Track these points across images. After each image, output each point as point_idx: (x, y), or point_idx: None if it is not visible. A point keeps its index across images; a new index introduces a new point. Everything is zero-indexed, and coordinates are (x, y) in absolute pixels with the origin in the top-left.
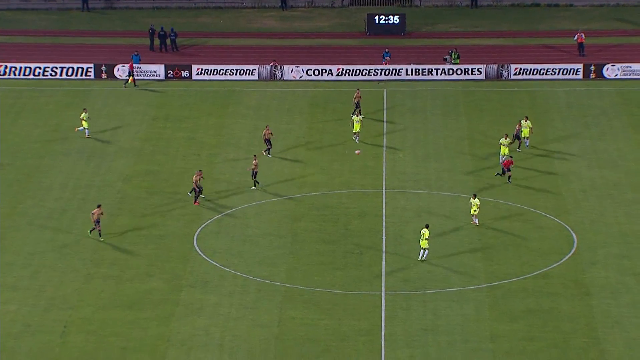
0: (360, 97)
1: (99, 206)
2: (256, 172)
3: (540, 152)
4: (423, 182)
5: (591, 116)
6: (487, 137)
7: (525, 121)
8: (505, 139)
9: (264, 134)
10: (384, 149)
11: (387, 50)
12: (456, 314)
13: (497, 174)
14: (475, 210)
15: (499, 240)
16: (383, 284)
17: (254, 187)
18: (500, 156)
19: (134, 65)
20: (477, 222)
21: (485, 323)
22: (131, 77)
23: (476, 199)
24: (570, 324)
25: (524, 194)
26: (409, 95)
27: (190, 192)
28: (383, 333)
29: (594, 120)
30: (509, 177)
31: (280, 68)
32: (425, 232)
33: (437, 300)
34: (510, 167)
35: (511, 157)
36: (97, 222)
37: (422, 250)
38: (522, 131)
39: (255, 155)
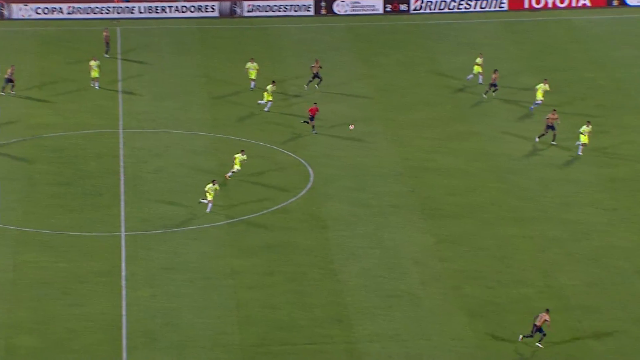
0: (108, 35)
1: None
2: None
3: (277, 89)
4: (160, 121)
5: (322, 52)
6: (223, 74)
7: None
8: None
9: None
10: (120, 88)
11: None
12: (196, 251)
13: (304, 121)
14: (238, 168)
15: (238, 177)
16: (122, 225)
17: None
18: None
19: None
20: (229, 175)
21: (225, 259)
22: None
23: (244, 155)
24: (307, 257)
25: (260, 131)
26: (143, 34)
27: None
28: (124, 274)
29: (325, 55)
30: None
31: (7, 7)
32: (212, 187)
33: (178, 239)
34: (316, 116)
35: (315, 103)
36: None
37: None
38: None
39: None
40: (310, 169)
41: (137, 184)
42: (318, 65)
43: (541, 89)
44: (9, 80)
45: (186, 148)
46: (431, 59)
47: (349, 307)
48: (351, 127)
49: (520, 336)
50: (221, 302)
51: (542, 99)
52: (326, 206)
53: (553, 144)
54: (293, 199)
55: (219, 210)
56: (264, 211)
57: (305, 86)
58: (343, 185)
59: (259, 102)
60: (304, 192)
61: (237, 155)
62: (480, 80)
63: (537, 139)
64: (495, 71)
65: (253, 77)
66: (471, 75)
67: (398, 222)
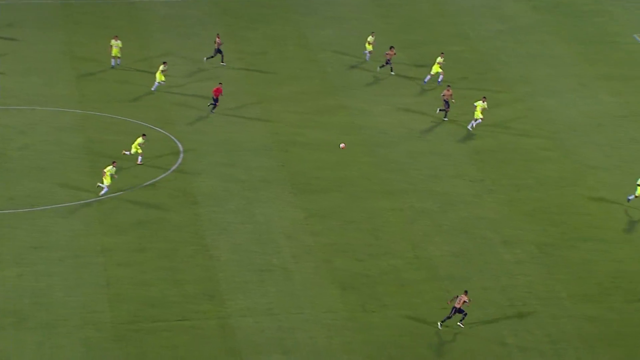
0: None
1: None
2: None
3: (144, 68)
4: (25, 97)
5: (190, 27)
6: (89, 51)
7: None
8: None
9: None
10: None
11: None
12: (66, 229)
13: (210, 104)
14: (136, 151)
15: (106, 154)
16: None
17: None
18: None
19: None
20: (139, 160)
21: (95, 237)
22: None
23: (144, 138)
24: (178, 233)
25: (128, 107)
26: (3, 9)
27: None
28: None
29: (191, 30)
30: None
31: None
32: (109, 170)
33: (46, 217)
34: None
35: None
36: None
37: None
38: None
39: None
40: (180, 145)
41: (2, 162)
42: (220, 41)
43: (479, 107)
44: None
45: (52, 125)
46: (299, 33)
47: (221, 282)
48: (342, 145)
49: (439, 323)
50: (92, 280)
51: (481, 117)
52: (197, 182)
53: (445, 120)
54: (163, 175)
55: (88, 187)
56: (134, 187)
57: (205, 59)
58: (213, 161)
59: (159, 82)
60: (174, 168)
61: (138, 140)
62: (368, 58)
63: (438, 111)
64: (391, 48)
65: (116, 54)
66: (366, 52)
67: (269, 197)
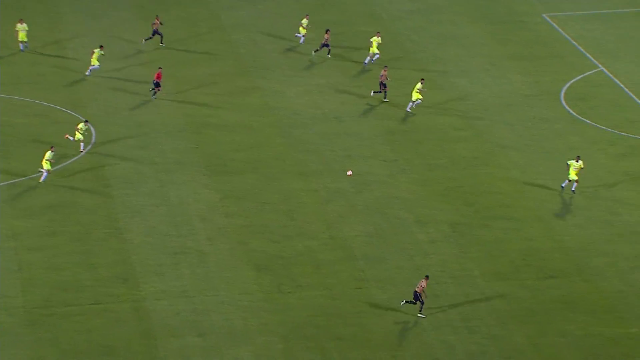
0: None
1: None
2: None
3: (52, 53)
4: None
5: (102, 9)
6: None
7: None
8: None
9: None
10: None
11: None
12: None
13: (152, 89)
14: (80, 137)
15: (16, 137)
16: None
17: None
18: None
19: None
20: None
21: (5, 221)
22: None
23: (87, 125)
24: (91, 217)
25: (39, 90)
26: None
27: None
28: None
29: (104, 13)
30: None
31: None
32: (50, 154)
33: None
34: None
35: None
36: None
37: None
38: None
39: None
40: (92, 128)
41: None
42: (159, 22)
43: (417, 87)
44: None
45: None
46: (212, 14)
47: (135, 265)
48: (349, 173)
49: (403, 300)
50: (3, 265)
51: (420, 98)
52: (109, 164)
53: (385, 101)
54: (75, 158)
55: None
56: (45, 170)
57: (143, 40)
58: (126, 144)
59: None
60: (85, 151)
61: (79, 125)
62: (302, 41)
63: (373, 93)
64: (327, 31)
65: (22, 39)
66: (300, 35)
67: (183, 179)
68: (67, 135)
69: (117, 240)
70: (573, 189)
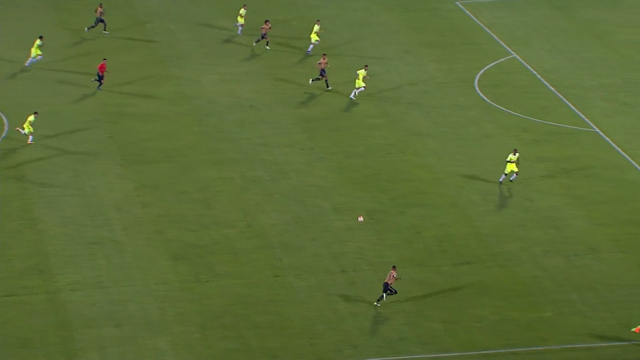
0: None
1: None
2: None
3: None
4: None
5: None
6: None
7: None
8: None
9: None
10: None
11: None
12: None
13: (95, 79)
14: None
15: None
16: None
17: None
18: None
19: None
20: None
21: None
22: None
23: (35, 116)
24: (4, 208)
25: None
26: None
27: None
28: None
29: (16, 2)
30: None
31: None
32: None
33: None
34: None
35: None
36: None
37: None
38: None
39: None
40: (4, 118)
41: None
42: (101, 9)
43: (361, 75)
44: None
45: None
46: (126, 2)
47: (50, 256)
48: (360, 219)
49: (376, 302)
50: None
51: (364, 85)
52: (23, 155)
53: (328, 90)
54: None
55: None
56: None
57: (86, 29)
58: (40, 133)
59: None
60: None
61: (30, 118)
62: (240, 32)
63: (311, 82)
64: (266, 22)
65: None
66: (238, 25)
67: (98, 169)
68: (17, 128)
69: (31, 232)
70: (512, 178)
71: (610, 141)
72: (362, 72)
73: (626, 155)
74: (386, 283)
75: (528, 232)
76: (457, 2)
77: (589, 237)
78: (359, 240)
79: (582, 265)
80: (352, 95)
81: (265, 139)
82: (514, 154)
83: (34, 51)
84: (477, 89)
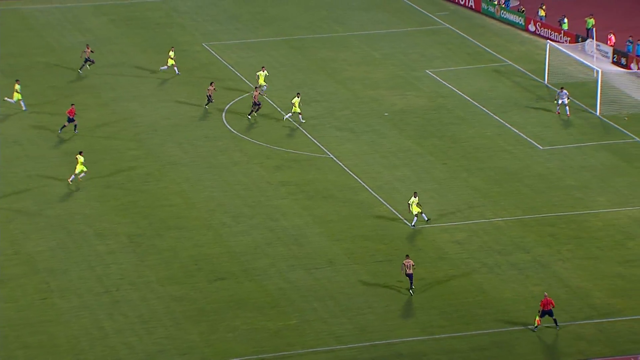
0: None
1: None
2: None
3: None
4: None
5: None
6: None
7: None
8: None
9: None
10: None
11: None
12: None
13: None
14: None
15: None
16: None
17: None
18: None
19: None
20: None
21: None
22: None
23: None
24: None
25: None
26: None
27: None
28: None
29: None
30: None
31: None
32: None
33: None
34: None
35: None
36: None
37: None
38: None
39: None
40: None
41: None
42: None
43: (296, 102)
44: None
45: None
46: None
47: None
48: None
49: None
50: None
51: (299, 111)
52: None
53: (249, 117)
54: None
55: None
56: None
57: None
58: None
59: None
60: None
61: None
62: (177, 72)
63: (206, 107)
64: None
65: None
66: (165, 67)
67: None
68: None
69: None
70: (425, 217)
71: (343, 165)
72: (296, 100)
73: (357, 178)
74: (410, 274)
75: (274, 249)
76: (204, 44)
77: (327, 251)
78: (121, 262)
79: (322, 277)
80: (286, 116)
81: (28, 172)
82: (414, 197)
83: (17, 95)
84: (225, 121)
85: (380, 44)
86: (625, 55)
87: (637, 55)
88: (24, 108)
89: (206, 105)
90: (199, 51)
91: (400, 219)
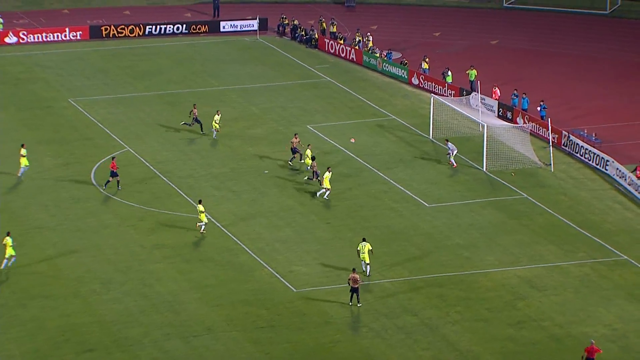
0: None
1: None
2: None
3: None
4: None
5: None
6: None
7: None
8: None
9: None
10: None
11: None
12: None
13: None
14: None
15: None
16: None
17: None
18: None
19: None
20: None
21: None
22: None
23: None
24: None
25: None
26: None
27: None
28: None
29: None
30: None
31: None
32: None
33: None
34: None
35: None
36: None
37: None
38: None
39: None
40: None
41: None
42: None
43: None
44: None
45: None
46: None
47: None
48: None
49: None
50: None
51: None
52: None
53: (289, 164)
54: None
55: None
56: None
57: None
58: None
59: None
60: None
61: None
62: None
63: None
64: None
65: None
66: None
67: None
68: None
69: None
70: (368, 273)
71: (221, 227)
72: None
73: (237, 239)
74: (355, 288)
75: (148, 317)
76: (70, 100)
77: (205, 318)
78: None
79: (200, 345)
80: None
81: None
82: (363, 241)
83: (23, 161)
84: (94, 181)
85: (259, 99)
86: (510, 109)
87: (523, 109)
88: None
89: (202, 130)
90: (65, 107)
91: (283, 282)
